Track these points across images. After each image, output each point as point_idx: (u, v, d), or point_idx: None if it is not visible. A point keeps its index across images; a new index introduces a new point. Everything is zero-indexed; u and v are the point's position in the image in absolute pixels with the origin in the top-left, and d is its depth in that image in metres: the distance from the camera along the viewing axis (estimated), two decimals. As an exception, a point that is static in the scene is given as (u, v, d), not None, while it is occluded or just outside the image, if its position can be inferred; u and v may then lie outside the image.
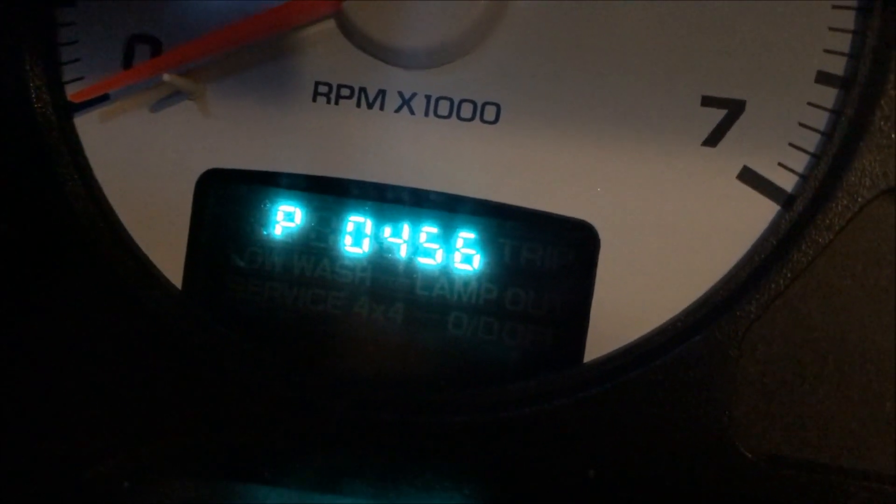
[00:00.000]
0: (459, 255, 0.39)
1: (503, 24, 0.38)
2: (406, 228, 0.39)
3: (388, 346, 0.39)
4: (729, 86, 0.36)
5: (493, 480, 0.39)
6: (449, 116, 0.38)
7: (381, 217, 0.39)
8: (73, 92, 0.40)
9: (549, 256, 0.38)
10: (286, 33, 0.39)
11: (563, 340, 0.38)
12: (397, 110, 0.39)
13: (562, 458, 0.37)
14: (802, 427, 0.36)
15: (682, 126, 0.37)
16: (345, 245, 0.39)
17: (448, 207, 0.38)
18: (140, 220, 0.40)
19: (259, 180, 0.40)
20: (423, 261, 0.39)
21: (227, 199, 0.40)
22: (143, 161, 0.40)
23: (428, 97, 0.38)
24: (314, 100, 0.39)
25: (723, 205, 0.37)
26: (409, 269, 0.39)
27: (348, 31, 0.38)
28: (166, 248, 0.40)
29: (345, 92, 0.39)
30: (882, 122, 0.35)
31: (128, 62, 0.40)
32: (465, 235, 0.39)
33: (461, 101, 0.38)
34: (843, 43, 0.36)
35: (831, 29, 0.36)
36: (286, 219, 0.40)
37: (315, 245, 0.40)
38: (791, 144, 0.36)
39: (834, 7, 0.36)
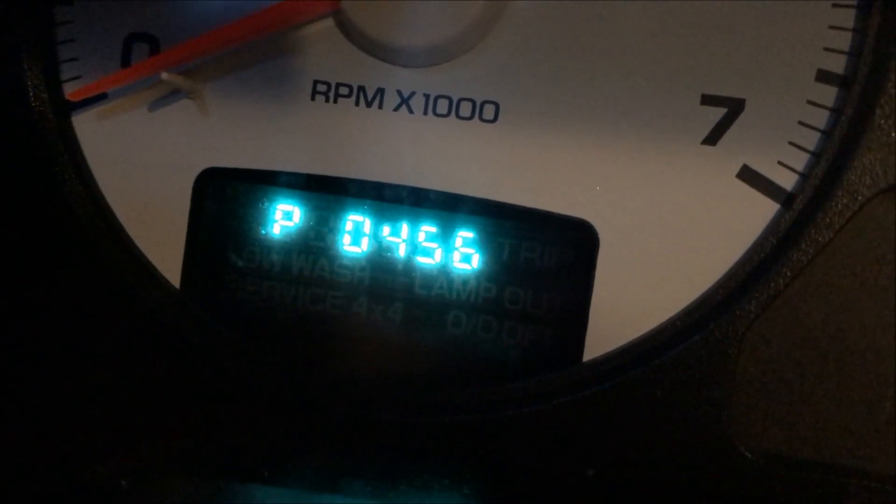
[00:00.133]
0: (458, 255, 0.39)
1: (502, 23, 0.38)
2: (405, 227, 0.39)
3: (387, 346, 0.39)
4: (728, 84, 0.36)
5: (493, 480, 0.39)
6: (448, 115, 0.38)
7: (379, 216, 0.39)
8: (70, 91, 0.39)
9: (548, 255, 0.38)
10: (285, 32, 0.39)
11: (563, 340, 0.38)
12: (396, 109, 0.38)
13: (561, 457, 0.37)
14: (802, 426, 0.36)
15: (681, 125, 0.37)
16: (343, 244, 0.39)
17: (447, 206, 0.38)
18: (138, 220, 0.40)
19: (258, 179, 0.40)
20: (421, 260, 0.39)
21: (225, 198, 0.40)
22: (142, 160, 0.40)
23: (427, 96, 0.38)
24: (313, 98, 0.39)
25: (722, 204, 0.37)
26: (408, 269, 0.39)
27: (347, 29, 0.38)
28: (164, 248, 0.40)
29: (343, 90, 0.39)
30: (882, 121, 0.35)
31: (126, 61, 0.40)
32: (464, 234, 0.39)
33: (460, 100, 0.38)
34: (843, 41, 0.36)
35: (831, 27, 0.36)
36: (285, 218, 0.40)
37: (314, 244, 0.40)
38: (791, 143, 0.36)
39: (834, 5, 0.36)
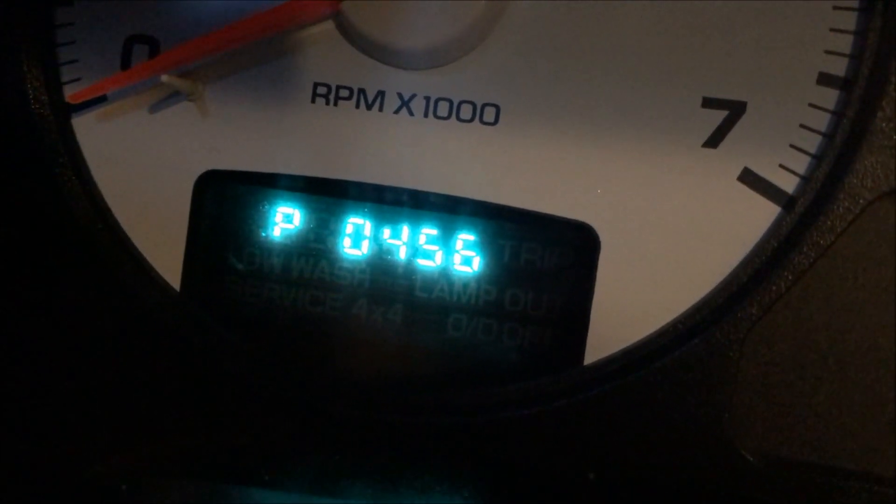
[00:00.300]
0: (459, 257, 0.39)
1: (502, 25, 0.38)
2: (405, 230, 0.39)
3: (388, 348, 0.39)
4: (730, 87, 0.36)
5: (493, 482, 0.39)
6: (448, 118, 0.38)
7: (380, 218, 0.39)
8: (70, 93, 0.39)
9: (548, 258, 0.38)
10: (285, 34, 0.39)
11: (564, 342, 0.38)
12: (396, 111, 0.38)
13: (562, 459, 0.37)
14: (803, 429, 0.36)
15: (682, 127, 0.37)
16: (344, 247, 0.39)
17: (447, 209, 0.38)
18: (138, 222, 0.40)
19: (258, 181, 0.40)
20: (422, 262, 0.39)
21: (225, 200, 0.40)
22: (142, 162, 0.40)
23: (427, 98, 0.38)
24: (313, 101, 0.39)
25: (723, 206, 0.36)
26: (409, 271, 0.39)
27: (347, 31, 0.38)
28: (164, 250, 0.40)
29: (344, 93, 0.39)
30: (883, 124, 0.35)
31: (126, 63, 0.40)
32: (465, 237, 0.38)
33: (460, 103, 0.38)
34: (845, 44, 0.36)
35: (832, 30, 0.36)
36: (285, 220, 0.40)
37: (314, 246, 0.39)
38: (792, 146, 0.36)
39: (835, 8, 0.36)
